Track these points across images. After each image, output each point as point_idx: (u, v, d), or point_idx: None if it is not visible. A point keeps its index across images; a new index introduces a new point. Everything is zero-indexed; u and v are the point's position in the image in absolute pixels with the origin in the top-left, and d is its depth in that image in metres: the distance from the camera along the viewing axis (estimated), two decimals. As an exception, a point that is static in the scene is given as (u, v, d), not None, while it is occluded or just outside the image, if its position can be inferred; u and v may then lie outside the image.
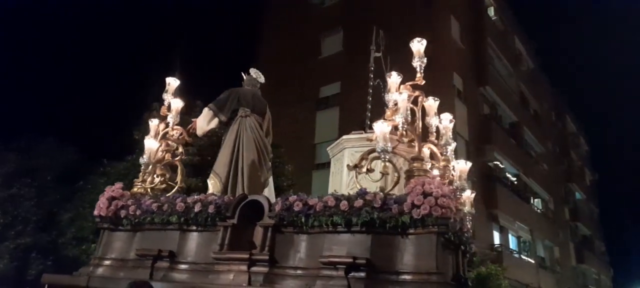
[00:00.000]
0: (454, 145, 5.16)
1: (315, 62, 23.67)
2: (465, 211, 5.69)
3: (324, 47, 23.90)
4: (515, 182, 24.51)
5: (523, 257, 24.29)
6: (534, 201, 26.92)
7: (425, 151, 5.21)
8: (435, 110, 5.19)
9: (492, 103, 24.09)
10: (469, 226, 5.65)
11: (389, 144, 4.56)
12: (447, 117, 5.14)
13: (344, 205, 4.52)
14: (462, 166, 5.03)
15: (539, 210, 27.19)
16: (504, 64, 25.74)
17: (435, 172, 5.06)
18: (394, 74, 5.01)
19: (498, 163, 23.23)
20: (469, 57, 23.22)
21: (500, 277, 16.30)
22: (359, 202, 4.48)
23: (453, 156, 5.74)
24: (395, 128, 5.02)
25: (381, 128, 4.57)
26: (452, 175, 5.15)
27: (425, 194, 4.31)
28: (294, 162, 16.88)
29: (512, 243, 24.15)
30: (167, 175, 5.71)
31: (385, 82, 5.85)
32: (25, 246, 15.97)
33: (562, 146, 33.66)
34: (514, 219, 23.59)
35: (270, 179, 6.21)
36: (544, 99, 32.20)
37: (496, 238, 22.73)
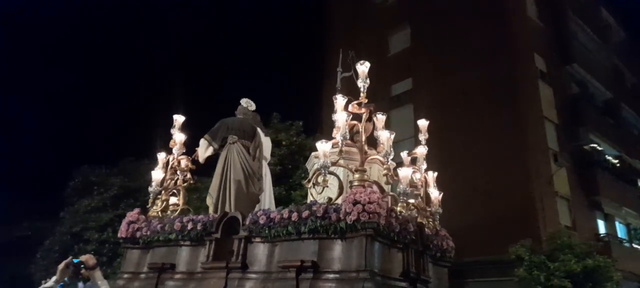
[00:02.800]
0: (392, 154, 5.75)
1: (385, 61, 24.23)
2: (434, 211, 6.30)
3: (391, 45, 24.40)
4: (618, 165, 23.03)
5: (635, 246, 22.75)
6: (642, 183, 25.00)
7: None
8: (383, 124, 5.86)
9: (581, 81, 22.92)
10: (434, 224, 6.21)
11: (329, 160, 5.39)
12: (385, 133, 5.73)
13: (294, 216, 5.44)
14: (404, 173, 5.66)
15: (649, 193, 25.18)
16: (590, 38, 24.25)
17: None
18: (339, 96, 5.77)
19: (595, 145, 22.07)
20: (549, 34, 22.37)
21: (610, 269, 15.63)
22: (306, 213, 5.38)
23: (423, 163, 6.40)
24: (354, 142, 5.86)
25: (322, 147, 5.42)
26: (394, 178, 5.77)
27: (356, 202, 5.10)
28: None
29: (620, 231, 22.76)
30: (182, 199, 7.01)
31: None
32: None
33: (669, 120, 30.39)
34: (620, 205, 22.23)
35: (268, 193, 7.27)
36: (642, 69, 29.52)
37: (601, 227, 21.63)
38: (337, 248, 5.23)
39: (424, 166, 6.57)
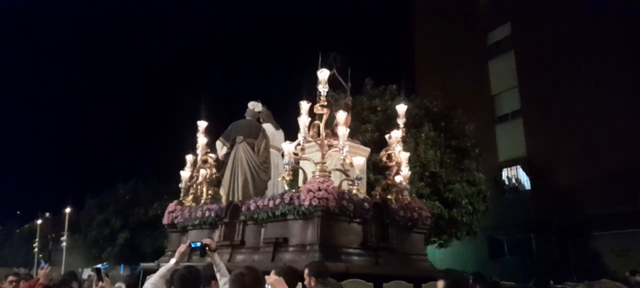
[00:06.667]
0: (347, 148, 7.00)
1: (477, 8, 23.76)
2: (402, 187, 7.51)
3: (483, -11, 23.90)
4: None
5: None
6: None
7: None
8: (344, 120, 7.13)
9: None
10: (403, 199, 7.42)
11: (292, 158, 6.88)
12: (342, 129, 7.00)
13: (271, 203, 7.07)
14: (357, 161, 6.94)
15: None
16: None
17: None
18: (303, 102, 7.14)
19: None
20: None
21: None
22: (278, 201, 6.97)
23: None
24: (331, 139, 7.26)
25: (287, 146, 6.94)
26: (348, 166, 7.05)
27: (308, 190, 6.55)
28: (474, 118, 17.86)
29: None
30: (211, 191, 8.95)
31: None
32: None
33: None
34: None
35: (278, 179, 8.89)
36: None
37: None
38: (300, 227, 6.78)
39: (399, 148, 7.75)
